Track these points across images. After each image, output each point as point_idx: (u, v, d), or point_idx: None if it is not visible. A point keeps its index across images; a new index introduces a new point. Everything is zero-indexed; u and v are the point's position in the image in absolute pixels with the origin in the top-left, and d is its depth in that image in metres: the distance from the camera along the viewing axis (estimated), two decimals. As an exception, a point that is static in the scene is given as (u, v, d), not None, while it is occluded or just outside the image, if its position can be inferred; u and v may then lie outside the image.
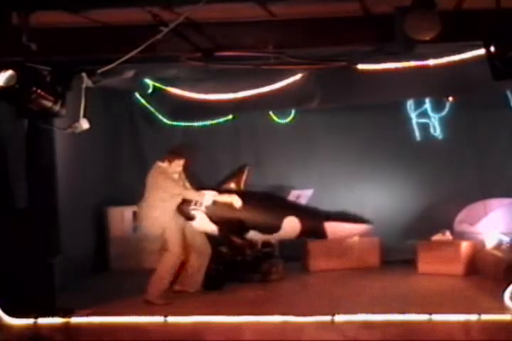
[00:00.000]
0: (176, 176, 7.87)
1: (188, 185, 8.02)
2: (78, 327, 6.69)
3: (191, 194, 7.94)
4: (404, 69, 7.41)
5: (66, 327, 6.70)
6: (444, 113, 10.04)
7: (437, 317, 6.43)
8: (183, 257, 7.80)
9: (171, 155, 7.86)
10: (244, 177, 8.17)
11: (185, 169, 8.00)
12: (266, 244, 9.32)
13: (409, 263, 9.18)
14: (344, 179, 10.20)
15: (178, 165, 7.85)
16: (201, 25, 6.32)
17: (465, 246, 8.89)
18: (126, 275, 9.10)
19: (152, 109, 10.01)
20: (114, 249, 9.75)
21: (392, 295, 7.74)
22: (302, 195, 9.75)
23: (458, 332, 6.31)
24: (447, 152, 10.02)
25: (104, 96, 9.41)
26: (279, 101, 8.94)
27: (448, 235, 9.27)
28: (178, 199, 7.81)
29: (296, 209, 7.90)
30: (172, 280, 7.82)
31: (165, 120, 10.10)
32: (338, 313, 6.58)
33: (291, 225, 7.72)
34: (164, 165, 7.81)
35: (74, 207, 8.75)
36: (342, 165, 10.16)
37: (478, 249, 8.84)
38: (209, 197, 7.91)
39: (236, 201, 7.90)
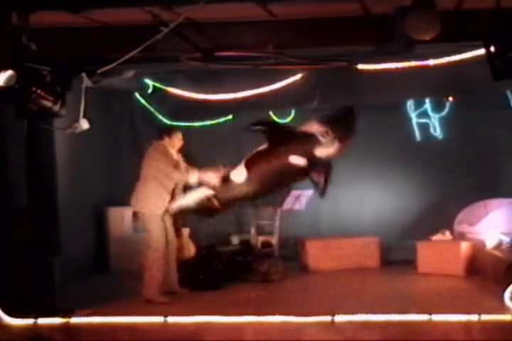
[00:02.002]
0: (174, 155, 7.75)
1: (183, 166, 7.79)
2: (78, 327, 6.68)
3: (179, 175, 7.53)
4: (404, 69, 7.41)
5: (66, 327, 6.69)
6: (444, 113, 10.04)
7: (437, 317, 6.42)
8: (163, 252, 7.64)
9: (167, 130, 7.84)
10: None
11: (180, 151, 7.92)
12: (266, 244, 9.34)
13: (409, 263, 9.18)
14: (344, 179, 10.17)
15: (178, 138, 7.79)
16: (201, 25, 6.33)
17: (465, 246, 8.89)
18: (126, 276, 9.09)
19: (152, 109, 10.02)
20: (114, 249, 9.75)
21: (392, 295, 7.74)
22: (302, 195, 9.76)
23: (458, 332, 6.30)
24: (447, 152, 10.02)
25: (104, 96, 9.41)
26: (279, 101, 8.95)
27: (448, 235, 9.27)
28: (172, 184, 7.59)
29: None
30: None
31: (165, 120, 10.10)
32: (338, 313, 6.57)
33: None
34: (165, 142, 7.75)
35: (74, 207, 8.75)
36: (342, 165, 10.10)
37: (478, 249, 8.84)
38: (194, 177, 7.39)
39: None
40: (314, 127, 7.12)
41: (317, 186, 7.27)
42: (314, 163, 7.06)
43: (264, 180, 7.15)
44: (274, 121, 7.46)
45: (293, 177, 7.37)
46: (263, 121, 7.70)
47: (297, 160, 7.03)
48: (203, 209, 7.35)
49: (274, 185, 7.46)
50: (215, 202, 7.22)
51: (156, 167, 7.63)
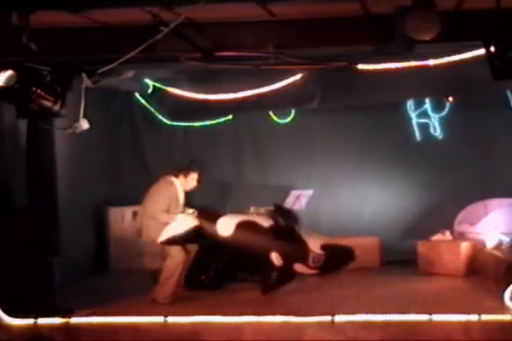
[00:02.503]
0: (181, 198, 7.78)
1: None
2: (78, 327, 6.69)
3: (164, 217, 7.59)
4: (404, 69, 7.41)
5: (66, 327, 6.70)
6: (444, 113, 10.05)
7: (437, 317, 6.43)
8: (184, 258, 7.69)
9: (185, 169, 7.82)
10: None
11: (198, 182, 7.95)
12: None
13: (409, 263, 9.19)
14: (344, 179, 10.21)
15: (193, 178, 7.82)
16: (201, 25, 6.32)
17: (465, 246, 8.90)
18: (126, 276, 9.10)
19: (152, 109, 10.02)
20: (114, 249, 9.75)
21: (392, 295, 7.74)
22: (302, 195, 9.76)
23: (458, 332, 6.31)
24: (447, 152, 10.03)
25: (104, 96, 9.42)
26: (279, 101, 8.95)
27: (448, 235, 9.27)
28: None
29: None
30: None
31: (165, 120, 10.10)
32: (338, 313, 6.57)
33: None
34: (179, 180, 7.77)
35: (74, 207, 8.75)
36: (342, 165, 10.16)
37: (478, 249, 8.85)
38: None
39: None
40: (316, 247, 7.84)
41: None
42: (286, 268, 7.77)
43: (239, 245, 7.70)
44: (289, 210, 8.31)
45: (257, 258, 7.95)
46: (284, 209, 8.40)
47: (277, 259, 7.69)
48: (190, 237, 7.64)
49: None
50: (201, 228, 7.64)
51: (160, 203, 7.63)
